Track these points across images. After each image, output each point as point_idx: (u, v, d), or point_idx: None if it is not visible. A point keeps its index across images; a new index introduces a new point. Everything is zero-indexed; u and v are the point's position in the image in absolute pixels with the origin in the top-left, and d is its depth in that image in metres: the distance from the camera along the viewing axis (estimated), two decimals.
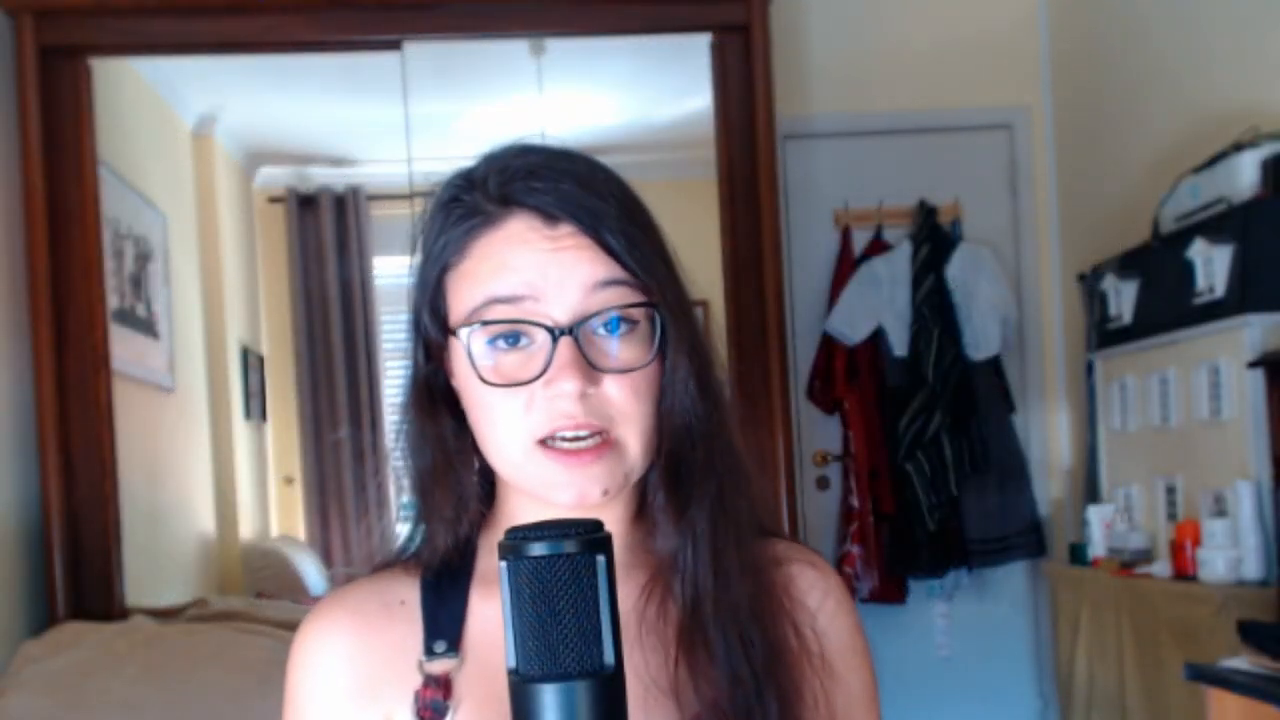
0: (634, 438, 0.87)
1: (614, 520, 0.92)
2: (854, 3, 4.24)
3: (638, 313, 0.87)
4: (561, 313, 0.86)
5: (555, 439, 0.86)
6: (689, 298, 0.94)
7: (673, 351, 0.88)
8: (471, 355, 0.87)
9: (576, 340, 0.85)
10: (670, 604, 0.90)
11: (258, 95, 3.99)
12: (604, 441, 0.86)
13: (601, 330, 0.87)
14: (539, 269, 0.86)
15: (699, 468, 0.90)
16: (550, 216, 0.87)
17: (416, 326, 0.94)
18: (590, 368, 0.85)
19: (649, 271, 0.88)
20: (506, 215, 0.88)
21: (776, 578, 0.95)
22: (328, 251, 4.07)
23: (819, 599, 0.96)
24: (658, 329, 0.88)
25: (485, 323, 0.87)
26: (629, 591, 0.91)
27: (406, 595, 0.94)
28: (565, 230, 0.87)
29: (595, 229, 0.87)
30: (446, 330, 0.91)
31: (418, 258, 0.93)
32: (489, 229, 0.89)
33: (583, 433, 0.86)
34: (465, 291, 0.89)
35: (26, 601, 3.02)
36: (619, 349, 0.87)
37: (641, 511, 0.94)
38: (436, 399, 0.94)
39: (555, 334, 0.85)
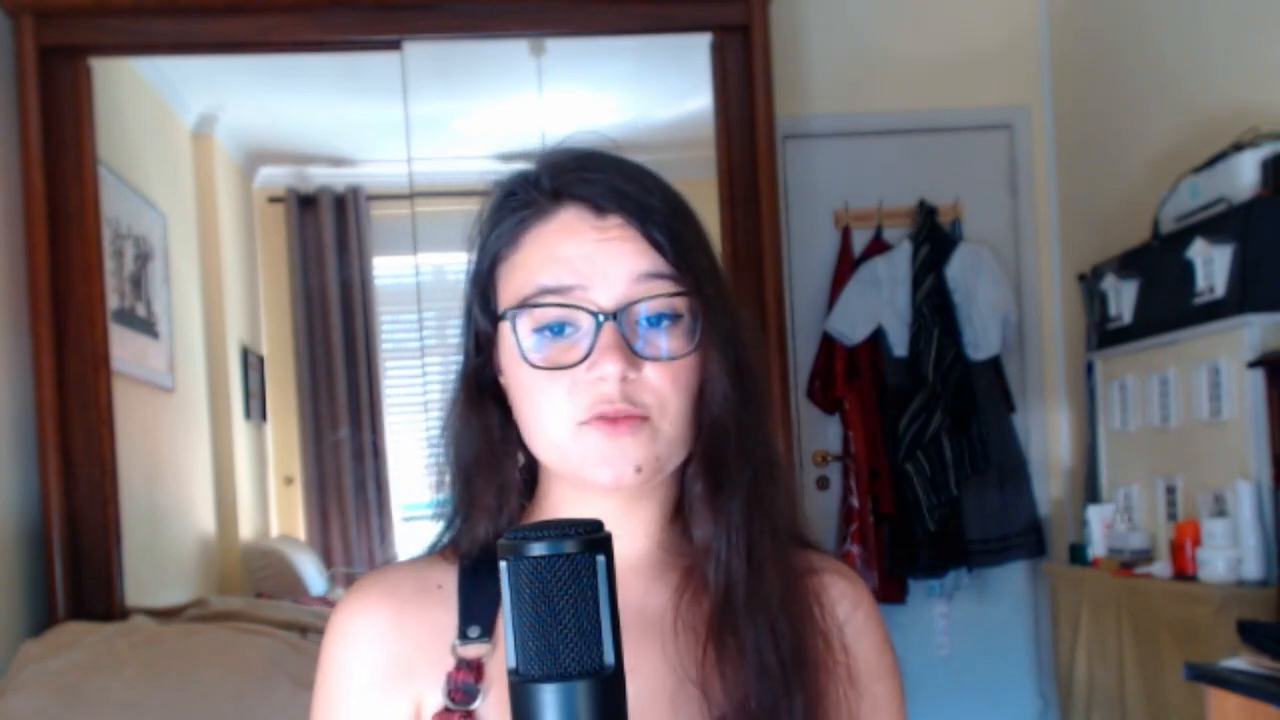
0: (669, 425, 0.90)
1: (650, 519, 0.95)
2: (854, 3, 4.23)
3: (681, 306, 0.90)
4: (606, 300, 0.88)
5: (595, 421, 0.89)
6: (731, 295, 0.97)
7: (710, 344, 0.91)
8: (519, 339, 0.90)
9: (620, 326, 0.88)
10: (704, 598, 0.92)
11: (258, 95, 3.99)
12: (641, 416, 0.88)
13: (645, 323, 0.89)
14: (586, 258, 0.89)
15: (733, 458, 0.91)
16: (599, 208, 0.90)
17: (469, 317, 0.97)
18: (632, 353, 0.88)
19: (691, 266, 0.91)
20: (557, 207, 0.91)
21: (809, 584, 0.96)
22: (328, 251, 4.07)
23: (848, 610, 0.98)
24: (699, 322, 0.91)
25: (533, 306, 0.89)
26: (663, 589, 0.93)
27: (444, 580, 0.96)
28: (613, 222, 0.90)
29: (642, 222, 0.90)
30: (495, 318, 0.93)
31: (473, 253, 0.96)
32: (540, 220, 0.92)
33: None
34: (516, 281, 0.92)
35: (26, 601, 3.02)
36: (661, 339, 0.90)
37: (677, 511, 0.96)
38: (484, 391, 0.96)
39: (599, 319, 0.88)
